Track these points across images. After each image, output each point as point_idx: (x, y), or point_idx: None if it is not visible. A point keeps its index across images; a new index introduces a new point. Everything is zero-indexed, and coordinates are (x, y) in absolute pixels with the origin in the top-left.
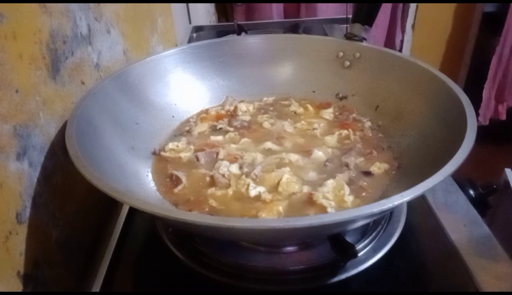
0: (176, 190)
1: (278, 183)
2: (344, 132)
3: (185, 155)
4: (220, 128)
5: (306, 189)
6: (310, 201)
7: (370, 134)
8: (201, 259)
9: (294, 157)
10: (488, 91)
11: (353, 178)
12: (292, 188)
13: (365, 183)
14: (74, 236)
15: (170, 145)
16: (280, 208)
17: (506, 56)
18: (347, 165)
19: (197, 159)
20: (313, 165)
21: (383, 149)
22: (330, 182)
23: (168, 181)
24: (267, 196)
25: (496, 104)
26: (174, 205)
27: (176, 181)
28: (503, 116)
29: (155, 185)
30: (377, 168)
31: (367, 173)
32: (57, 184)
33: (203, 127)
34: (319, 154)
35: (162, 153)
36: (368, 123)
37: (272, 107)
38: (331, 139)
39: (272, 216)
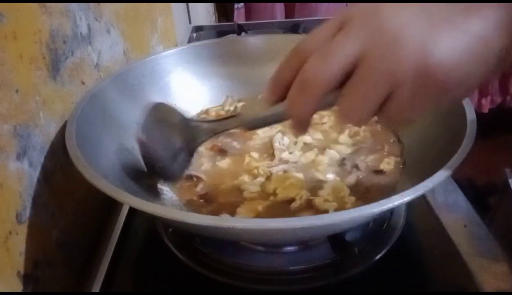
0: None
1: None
2: (354, 128)
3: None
4: None
5: (305, 195)
6: (309, 206)
7: (379, 129)
8: (201, 259)
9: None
10: None
11: (362, 179)
12: (291, 193)
13: (374, 183)
14: (74, 236)
15: None
16: (260, 207)
17: None
18: (356, 166)
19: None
20: (328, 165)
21: (392, 141)
22: (329, 184)
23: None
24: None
25: (479, 97)
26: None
27: (197, 180)
28: (486, 110)
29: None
30: (387, 163)
31: (379, 172)
32: (57, 184)
33: None
34: (332, 153)
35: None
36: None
37: None
38: (343, 137)
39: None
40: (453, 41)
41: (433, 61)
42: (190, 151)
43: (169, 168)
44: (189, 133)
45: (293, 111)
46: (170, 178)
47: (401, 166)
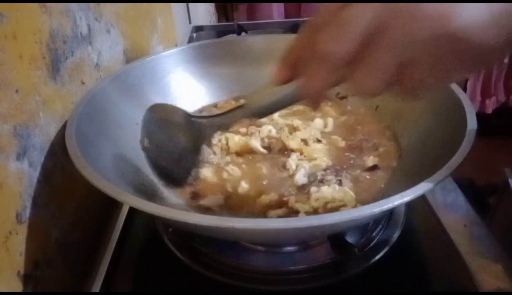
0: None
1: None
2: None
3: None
4: None
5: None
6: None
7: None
8: (201, 259)
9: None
10: (472, 84)
11: (357, 176)
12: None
13: (367, 177)
14: (74, 236)
15: None
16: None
17: None
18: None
19: None
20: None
21: (386, 137)
22: (327, 188)
23: None
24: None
25: (483, 98)
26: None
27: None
28: (489, 110)
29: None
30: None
31: (373, 167)
32: (57, 184)
33: None
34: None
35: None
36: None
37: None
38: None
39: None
40: (477, 9)
41: (455, 25)
42: (196, 149)
43: (176, 172)
44: (194, 131)
45: (309, 87)
46: (177, 182)
47: (394, 165)
